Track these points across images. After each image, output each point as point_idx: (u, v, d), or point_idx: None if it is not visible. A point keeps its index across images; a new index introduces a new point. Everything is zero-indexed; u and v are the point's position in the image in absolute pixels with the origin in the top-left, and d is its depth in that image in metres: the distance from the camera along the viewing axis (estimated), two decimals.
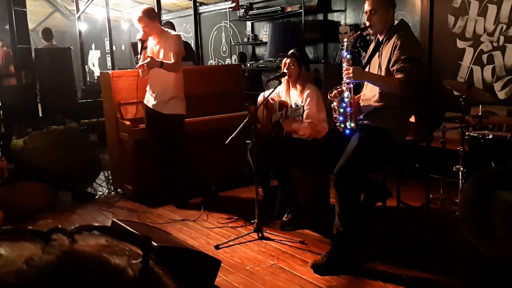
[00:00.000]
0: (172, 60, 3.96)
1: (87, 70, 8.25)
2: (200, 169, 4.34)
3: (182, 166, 4.31)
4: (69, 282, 0.39)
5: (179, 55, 4.03)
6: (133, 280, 0.42)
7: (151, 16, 3.99)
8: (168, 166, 4.27)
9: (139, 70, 4.03)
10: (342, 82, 2.99)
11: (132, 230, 0.47)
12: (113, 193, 4.85)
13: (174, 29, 6.28)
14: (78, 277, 0.40)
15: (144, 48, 4.06)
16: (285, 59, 3.81)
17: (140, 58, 4.05)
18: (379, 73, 2.99)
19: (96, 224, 0.48)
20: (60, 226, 0.45)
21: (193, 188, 4.42)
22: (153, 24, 4.01)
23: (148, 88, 4.20)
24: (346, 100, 2.99)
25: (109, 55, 7.83)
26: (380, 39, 3.07)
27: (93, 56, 11.50)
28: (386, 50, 2.97)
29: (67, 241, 0.43)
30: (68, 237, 0.44)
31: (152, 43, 4.12)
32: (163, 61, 3.94)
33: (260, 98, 3.98)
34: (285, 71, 3.78)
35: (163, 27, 4.27)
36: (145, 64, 3.89)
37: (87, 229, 0.46)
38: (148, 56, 3.92)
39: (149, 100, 4.18)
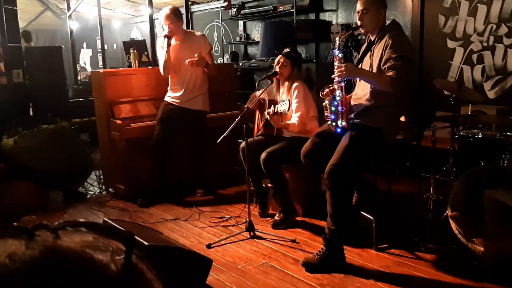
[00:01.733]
0: (209, 60, 4.20)
1: (78, 69, 8.20)
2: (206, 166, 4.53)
3: (197, 159, 4.47)
4: (52, 277, 0.40)
5: (211, 54, 4.32)
6: (115, 275, 0.43)
7: (178, 16, 4.17)
8: (200, 160, 4.45)
9: (165, 57, 4.16)
10: (334, 81, 3.00)
11: (116, 225, 0.48)
12: (104, 192, 4.84)
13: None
14: (60, 272, 0.40)
15: (169, 45, 4.15)
16: (279, 57, 3.83)
17: (165, 55, 4.14)
18: None
19: (81, 220, 0.48)
20: (44, 222, 0.45)
21: (192, 183, 4.54)
22: (178, 23, 4.17)
23: (173, 86, 4.28)
24: (337, 98, 3.01)
25: (101, 54, 7.80)
26: (372, 39, 3.09)
27: (85, 55, 11.44)
28: (378, 49, 2.99)
29: (51, 237, 0.43)
30: (52, 233, 0.44)
31: (173, 42, 4.22)
32: (208, 60, 4.17)
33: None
34: (277, 69, 3.80)
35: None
36: (195, 61, 4.03)
37: (71, 225, 0.47)
38: (197, 56, 4.05)
39: (176, 97, 4.25)
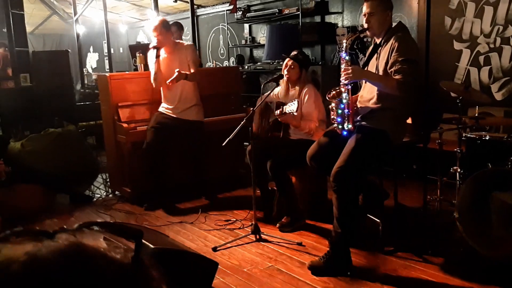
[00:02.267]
0: (192, 70, 4.13)
1: (85, 73, 8.25)
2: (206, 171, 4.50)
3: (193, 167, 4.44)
4: (76, 265, 0.44)
5: (197, 64, 4.24)
6: (125, 265, 0.47)
7: (166, 27, 4.16)
8: (197, 167, 4.43)
9: (154, 68, 4.16)
10: (341, 83, 2.99)
11: (126, 224, 0.55)
12: (110, 195, 4.85)
13: (182, 29, 6.32)
14: (83, 262, 0.45)
15: (157, 56, 4.15)
16: (287, 60, 3.82)
17: (154, 66, 4.14)
18: None
19: (97, 220, 0.53)
20: (64, 226, 0.51)
21: (194, 189, 4.51)
22: (167, 34, 4.16)
23: (165, 98, 4.28)
24: (344, 101, 3.00)
25: (107, 57, 7.84)
26: (378, 42, 3.08)
27: (91, 59, 11.50)
28: (384, 52, 2.98)
29: (71, 237, 0.48)
30: (71, 235, 0.48)
31: (163, 54, 4.21)
32: (187, 73, 4.07)
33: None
34: (285, 72, 3.79)
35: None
36: (175, 79, 4.01)
37: (87, 226, 0.52)
38: (177, 71, 4.01)
39: (169, 109, 4.25)
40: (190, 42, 4.47)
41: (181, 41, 4.40)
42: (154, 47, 4.13)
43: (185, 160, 4.52)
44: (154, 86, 4.24)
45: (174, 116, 4.23)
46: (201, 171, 4.46)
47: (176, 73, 3.99)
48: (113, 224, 0.53)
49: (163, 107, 4.31)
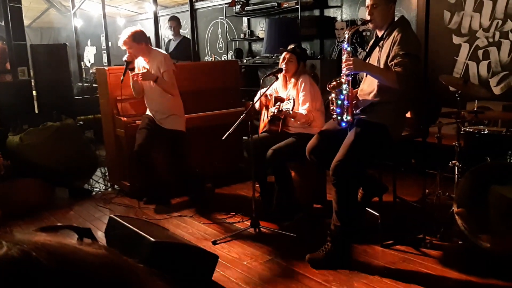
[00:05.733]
0: (166, 79, 4.03)
1: (83, 67, 8.22)
2: (194, 168, 4.39)
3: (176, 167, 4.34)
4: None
5: (171, 74, 4.09)
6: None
7: (137, 39, 4.03)
8: (178, 168, 4.31)
9: (131, 80, 4.11)
10: (342, 74, 2.99)
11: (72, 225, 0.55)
12: (109, 189, 4.85)
13: (179, 24, 6.31)
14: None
15: (130, 69, 4.08)
16: (285, 53, 3.83)
17: (122, 79, 4.09)
18: None
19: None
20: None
21: (186, 186, 4.46)
22: (138, 46, 4.05)
23: (147, 105, 4.25)
24: (344, 92, 3.00)
25: (105, 51, 7.80)
26: (380, 35, 3.07)
27: (89, 53, 11.45)
28: (386, 45, 2.98)
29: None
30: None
31: (143, 63, 4.16)
32: (158, 76, 4.00)
33: (259, 95, 4.00)
34: (283, 65, 3.80)
35: (149, 45, 4.25)
36: (140, 74, 3.96)
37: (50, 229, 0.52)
38: (145, 68, 3.99)
39: (151, 114, 4.23)
40: (162, 51, 4.31)
41: (157, 49, 4.29)
42: (125, 61, 4.07)
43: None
44: (135, 96, 4.23)
45: (156, 122, 4.19)
46: (185, 176, 4.37)
47: (145, 70, 3.98)
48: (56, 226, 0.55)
49: (148, 112, 4.29)
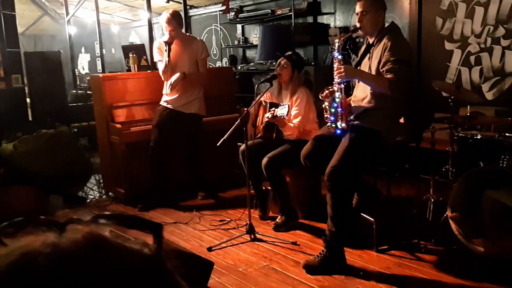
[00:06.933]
0: (201, 67, 4.24)
1: (77, 74, 8.20)
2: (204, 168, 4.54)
3: (192, 162, 4.49)
4: (101, 254, 0.42)
5: (206, 61, 4.34)
6: (151, 255, 0.46)
7: (178, 20, 4.14)
8: (196, 162, 4.47)
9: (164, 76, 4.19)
10: (334, 82, 3.01)
11: (145, 218, 0.52)
12: (104, 196, 4.83)
13: None
14: (107, 252, 0.43)
15: (170, 50, 4.11)
16: (280, 59, 3.85)
17: (167, 60, 4.09)
18: None
19: (113, 212, 0.51)
20: (76, 217, 0.48)
21: (193, 185, 4.57)
22: (179, 28, 4.16)
23: (168, 90, 4.24)
24: (337, 100, 3.02)
25: (99, 58, 7.80)
26: (371, 41, 3.10)
27: (83, 60, 11.44)
28: (377, 52, 3.00)
29: (83, 230, 0.45)
30: (85, 226, 0.47)
31: (173, 47, 4.19)
32: (185, 73, 4.14)
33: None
34: (278, 71, 3.81)
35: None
36: (176, 81, 4.09)
37: (104, 218, 0.50)
38: (181, 73, 4.11)
39: (170, 101, 4.25)
40: (201, 38, 4.49)
41: (191, 35, 4.46)
42: (166, 42, 4.09)
43: (184, 158, 4.53)
44: (163, 79, 4.24)
45: (174, 109, 4.23)
46: (199, 167, 4.50)
47: (178, 75, 4.08)
48: (130, 216, 0.52)
49: (165, 100, 4.30)
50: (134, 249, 0.45)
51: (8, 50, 5.34)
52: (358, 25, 3.06)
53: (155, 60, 4.36)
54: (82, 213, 4.38)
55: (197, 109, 4.31)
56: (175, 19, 4.08)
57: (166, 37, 4.12)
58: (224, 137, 3.42)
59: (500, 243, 2.85)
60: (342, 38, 3.07)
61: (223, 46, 7.71)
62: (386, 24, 3.13)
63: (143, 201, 4.34)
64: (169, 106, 4.26)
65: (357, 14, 3.07)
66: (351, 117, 3.10)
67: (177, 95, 4.23)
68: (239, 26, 7.34)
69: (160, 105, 4.33)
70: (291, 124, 3.71)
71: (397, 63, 2.84)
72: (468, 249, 2.90)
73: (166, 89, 4.28)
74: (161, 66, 4.20)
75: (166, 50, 4.10)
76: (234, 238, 3.53)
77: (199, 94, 4.32)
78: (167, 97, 4.29)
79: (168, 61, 4.10)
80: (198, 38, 4.43)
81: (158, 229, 0.50)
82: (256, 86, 3.93)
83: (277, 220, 3.75)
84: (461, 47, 4.67)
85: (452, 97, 3.41)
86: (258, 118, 4.08)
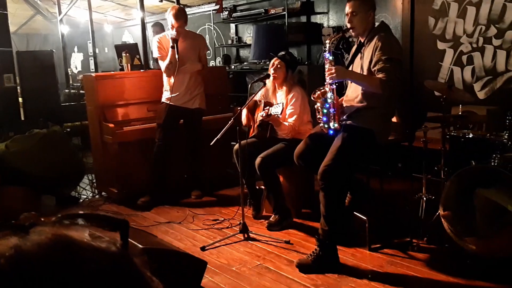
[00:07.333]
0: (203, 62, 4.35)
1: (69, 73, 8.16)
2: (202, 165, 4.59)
3: (193, 158, 4.53)
4: (66, 255, 0.42)
5: (205, 59, 4.42)
6: (117, 252, 0.46)
7: (186, 17, 4.18)
8: (195, 159, 4.52)
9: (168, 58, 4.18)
10: (325, 83, 3.03)
11: (110, 215, 0.51)
12: (97, 196, 4.82)
13: (163, 30, 6.30)
14: (71, 253, 0.43)
15: (175, 47, 4.11)
16: (274, 59, 3.85)
17: (177, 57, 4.10)
18: None
19: (77, 212, 0.50)
20: (42, 219, 0.49)
21: (187, 185, 4.60)
22: (185, 25, 4.19)
23: (170, 86, 4.23)
24: (329, 100, 3.03)
25: (92, 57, 7.78)
26: (362, 41, 3.11)
27: (76, 59, 11.39)
28: (368, 51, 3.02)
29: (49, 231, 0.45)
30: (51, 227, 0.47)
31: (179, 44, 4.20)
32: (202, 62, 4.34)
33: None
34: (272, 71, 3.82)
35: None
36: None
37: (69, 217, 0.50)
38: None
39: (175, 97, 4.24)
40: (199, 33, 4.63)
41: (191, 30, 4.51)
42: (172, 39, 4.09)
43: (182, 156, 4.56)
44: (166, 75, 4.24)
45: (180, 106, 4.25)
46: (198, 164, 4.53)
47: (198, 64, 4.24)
48: (95, 215, 0.52)
49: (166, 97, 4.30)
50: (100, 248, 0.45)
51: (0, 49, 5.31)
52: (348, 25, 3.08)
53: (155, 56, 4.36)
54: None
55: (199, 104, 4.36)
56: (183, 15, 4.11)
57: (171, 34, 4.11)
58: (218, 137, 3.42)
59: (492, 241, 2.87)
60: (332, 39, 3.08)
61: (217, 46, 7.70)
62: (376, 24, 3.14)
63: (149, 199, 4.34)
64: (173, 103, 4.24)
65: (347, 14, 3.08)
66: (344, 117, 3.11)
67: (182, 91, 4.23)
68: (232, 26, 7.34)
69: (163, 102, 4.32)
70: (286, 123, 3.71)
71: (388, 62, 2.85)
72: (460, 247, 2.92)
73: (167, 85, 4.27)
74: (163, 63, 4.18)
75: (173, 47, 4.09)
76: (227, 238, 3.53)
77: (201, 88, 4.39)
78: (169, 94, 4.26)
79: (178, 58, 4.09)
80: (198, 33, 4.48)
81: (124, 226, 0.50)
82: (250, 85, 3.94)
83: (270, 219, 3.76)
84: (453, 47, 4.70)
85: (444, 97, 3.43)
86: (255, 117, 4.08)
